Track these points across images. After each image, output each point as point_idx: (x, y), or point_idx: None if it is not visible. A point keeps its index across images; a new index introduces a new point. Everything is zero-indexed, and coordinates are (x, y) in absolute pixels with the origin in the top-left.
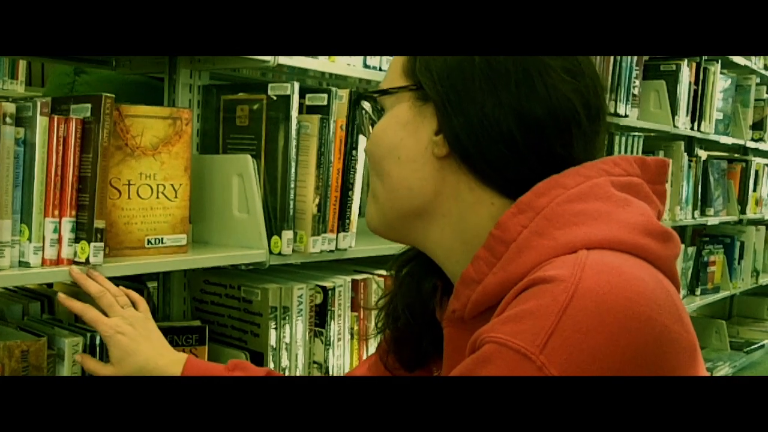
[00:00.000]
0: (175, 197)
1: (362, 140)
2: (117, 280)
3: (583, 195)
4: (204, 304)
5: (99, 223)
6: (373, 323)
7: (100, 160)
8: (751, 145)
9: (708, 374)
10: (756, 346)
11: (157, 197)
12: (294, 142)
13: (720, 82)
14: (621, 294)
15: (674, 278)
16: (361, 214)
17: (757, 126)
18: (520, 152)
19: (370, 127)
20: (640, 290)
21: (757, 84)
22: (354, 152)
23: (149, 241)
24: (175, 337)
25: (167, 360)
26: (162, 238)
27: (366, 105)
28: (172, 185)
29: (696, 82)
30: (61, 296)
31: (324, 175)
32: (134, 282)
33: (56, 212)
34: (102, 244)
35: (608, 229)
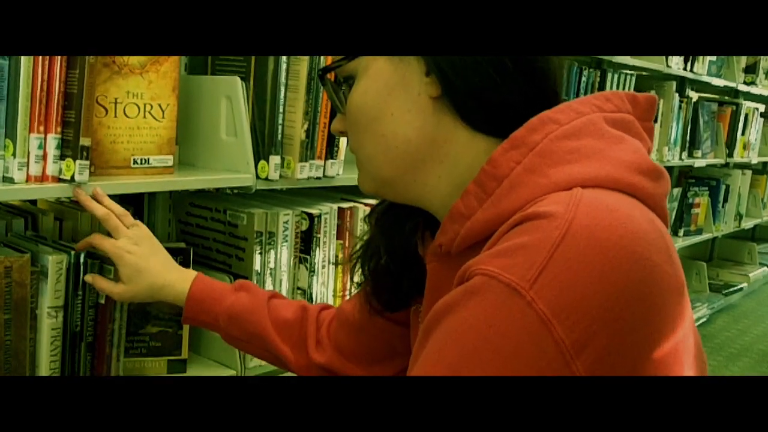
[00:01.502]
0: (162, 117)
1: None
2: None
3: (576, 131)
4: (189, 227)
5: (85, 141)
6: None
7: (86, 77)
8: (742, 88)
9: (692, 313)
10: (734, 288)
11: (144, 117)
12: (284, 66)
13: None
14: (614, 232)
15: (664, 216)
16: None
17: (749, 69)
18: (509, 72)
19: (343, 99)
20: (633, 229)
21: None
22: None
23: (135, 161)
24: None
25: (176, 276)
26: (148, 159)
27: (330, 80)
28: (159, 105)
29: None
30: (82, 196)
31: (313, 100)
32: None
33: (41, 128)
34: (87, 162)
35: (602, 167)
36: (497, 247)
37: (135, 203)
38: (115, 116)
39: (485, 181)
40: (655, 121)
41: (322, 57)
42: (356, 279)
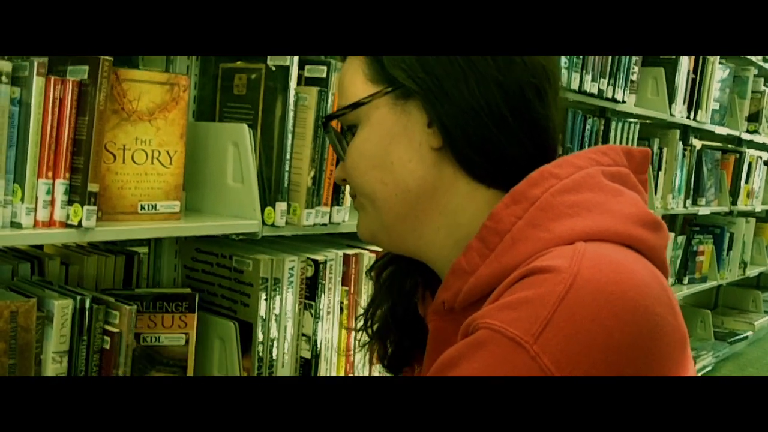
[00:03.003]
0: (170, 164)
1: None
2: (109, 245)
3: (576, 185)
4: (195, 272)
5: (93, 187)
6: (364, 298)
7: (95, 124)
8: (745, 136)
9: (693, 365)
10: (739, 337)
11: (152, 163)
12: (291, 114)
13: (718, 72)
14: (618, 286)
15: (664, 267)
16: None
17: (752, 118)
18: (509, 125)
19: (345, 146)
20: (637, 282)
21: (755, 75)
22: None
23: (142, 207)
24: (165, 303)
25: None
26: (155, 204)
27: (333, 128)
28: (167, 151)
29: (694, 71)
30: None
31: (320, 147)
32: (126, 247)
33: (50, 174)
34: (95, 207)
35: (603, 220)
36: (501, 301)
37: (141, 248)
38: (123, 162)
39: (487, 236)
40: (660, 169)
41: (329, 104)
42: (361, 338)
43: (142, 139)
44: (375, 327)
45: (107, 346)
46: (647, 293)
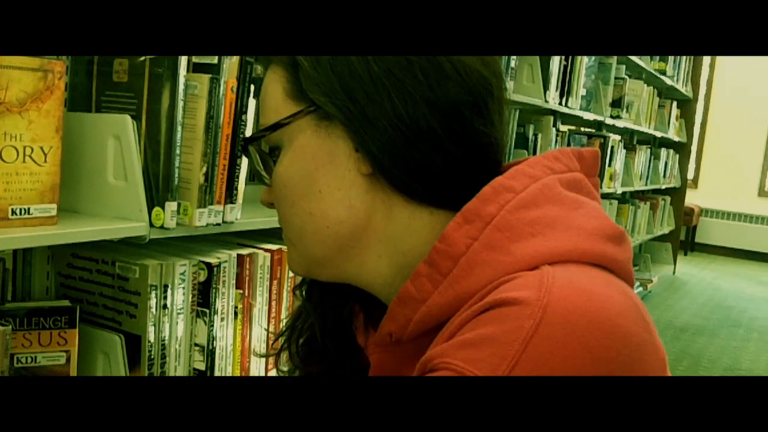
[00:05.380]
0: (45, 161)
1: (251, 105)
2: None
3: (533, 199)
4: (71, 280)
5: None
6: (261, 305)
7: None
8: (609, 121)
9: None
10: None
11: (24, 161)
12: (181, 104)
13: (584, 59)
14: (591, 319)
15: (631, 281)
16: (248, 181)
17: (615, 103)
18: (445, 147)
19: (268, 173)
20: (611, 313)
21: (617, 62)
22: (244, 117)
23: (13, 212)
24: (42, 319)
25: None
26: (29, 208)
27: (253, 150)
28: (41, 148)
29: (566, 59)
30: None
31: (212, 141)
32: None
33: None
34: None
35: (567, 238)
36: (462, 337)
37: (6, 254)
38: None
39: (439, 260)
40: (535, 154)
41: (221, 91)
42: (282, 367)
43: (12, 134)
44: (302, 348)
45: None
46: (622, 322)
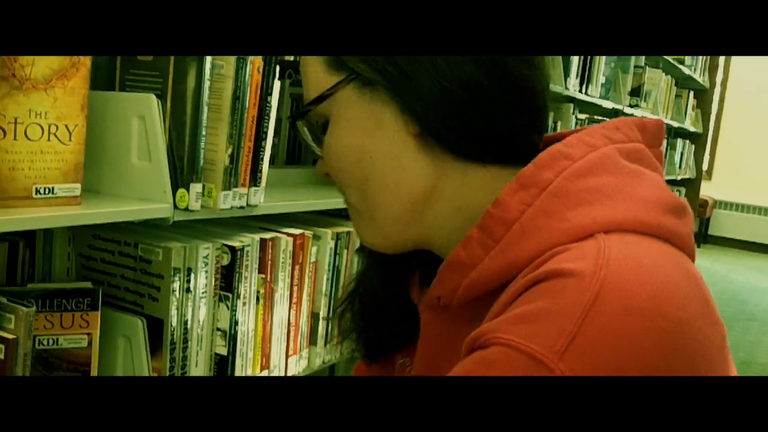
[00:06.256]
0: (69, 140)
1: (276, 86)
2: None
3: (593, 167)
4: (92, 262)
5: None
6: (283, 290)
7: None
8: (627, 110)
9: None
10: None
11: (49, 139)
12: (207, 84)
13: None
14: (649, 296)
15: (691, 254)
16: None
17: (634, 92)
18: (488, 95)
19: (319, 146)
20: (669, 289)
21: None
22: (269, 98)
23: (38, 191)
24: (64, 301)
25: None
26: (53, 188)
27: (301, 126)
28: (66, 126)
29: None
30: None
31: (238, 122)
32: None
33: None
34: None
35: (628, 208)
36: (515, 311)
37: (27, 234)
38: (15, 138)
39: (491, 225)
40: None
41: (248, 72)
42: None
43: (37, 112)
44: (357, 308)
45: (1, 356)
46: (682, 302)
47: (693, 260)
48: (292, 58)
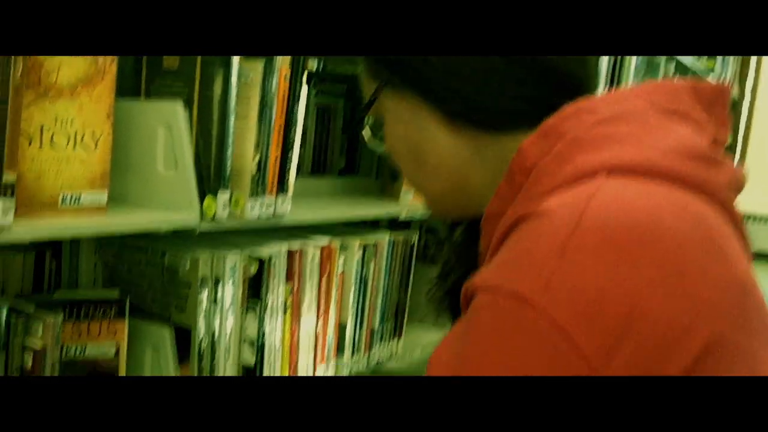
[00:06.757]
0: (95, 148)
1: (303, 93)
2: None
3: (614, 118)
4: (119, 271)
5: (9, 175)
6: (310, 301)
7: (11, 100)
8: None
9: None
10: None
11: (75, 148)
12: (234, 91)
13: (633, 58)
14: (627, 225)
15: (728, 207)
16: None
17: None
18: (505, 76)
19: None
20: (652, 229)
21: (666, 61)
22: (295, 107)
23: (64, 199)
24: (91, 308)
25: None
26: (79, 196)
27: (367, 130)
28: (92, 133)
29: (614, 57)
30: None
31: (266, 130)
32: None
33: None
34: (13, 200)
35: (638, 151)
36: (500, 256)
37: (53, 243)
38: (41, 147)
39: (513, 175)
40: None
41: (275, 80)
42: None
43: (63, 119)
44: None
45: (29, 366)
46: (661, 232)
47: (733, 215)
48: (315, 66)
